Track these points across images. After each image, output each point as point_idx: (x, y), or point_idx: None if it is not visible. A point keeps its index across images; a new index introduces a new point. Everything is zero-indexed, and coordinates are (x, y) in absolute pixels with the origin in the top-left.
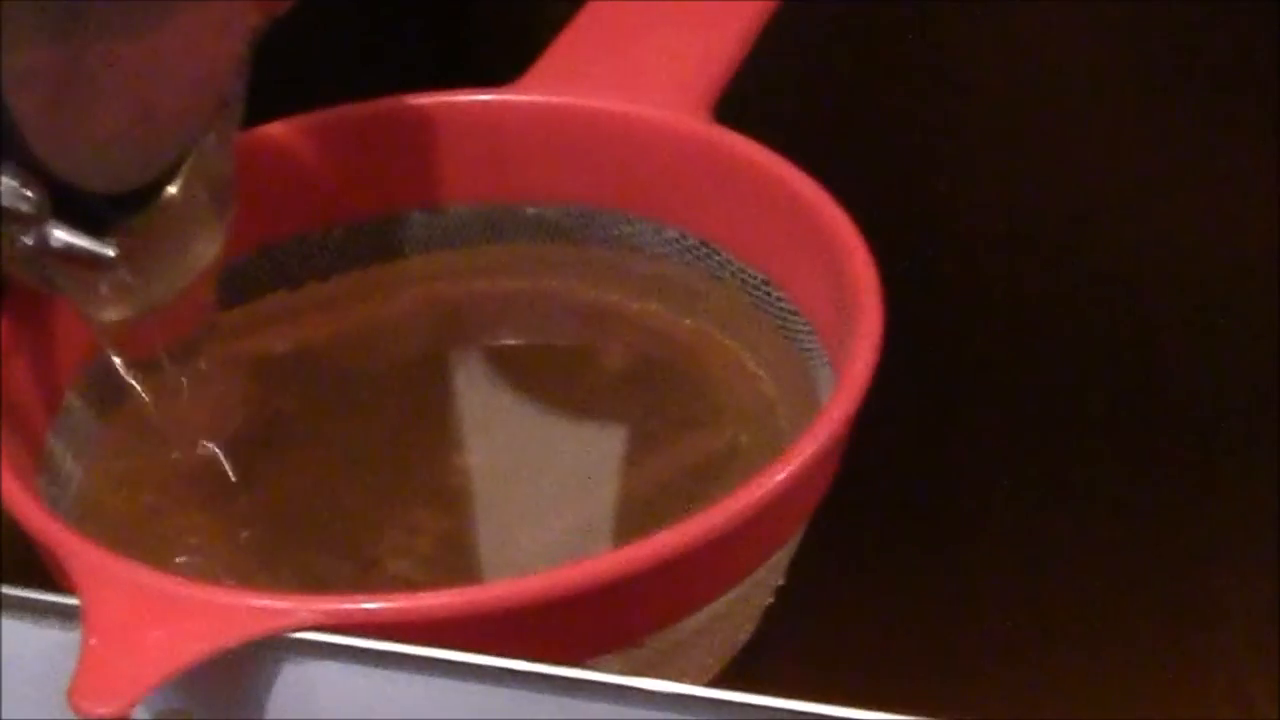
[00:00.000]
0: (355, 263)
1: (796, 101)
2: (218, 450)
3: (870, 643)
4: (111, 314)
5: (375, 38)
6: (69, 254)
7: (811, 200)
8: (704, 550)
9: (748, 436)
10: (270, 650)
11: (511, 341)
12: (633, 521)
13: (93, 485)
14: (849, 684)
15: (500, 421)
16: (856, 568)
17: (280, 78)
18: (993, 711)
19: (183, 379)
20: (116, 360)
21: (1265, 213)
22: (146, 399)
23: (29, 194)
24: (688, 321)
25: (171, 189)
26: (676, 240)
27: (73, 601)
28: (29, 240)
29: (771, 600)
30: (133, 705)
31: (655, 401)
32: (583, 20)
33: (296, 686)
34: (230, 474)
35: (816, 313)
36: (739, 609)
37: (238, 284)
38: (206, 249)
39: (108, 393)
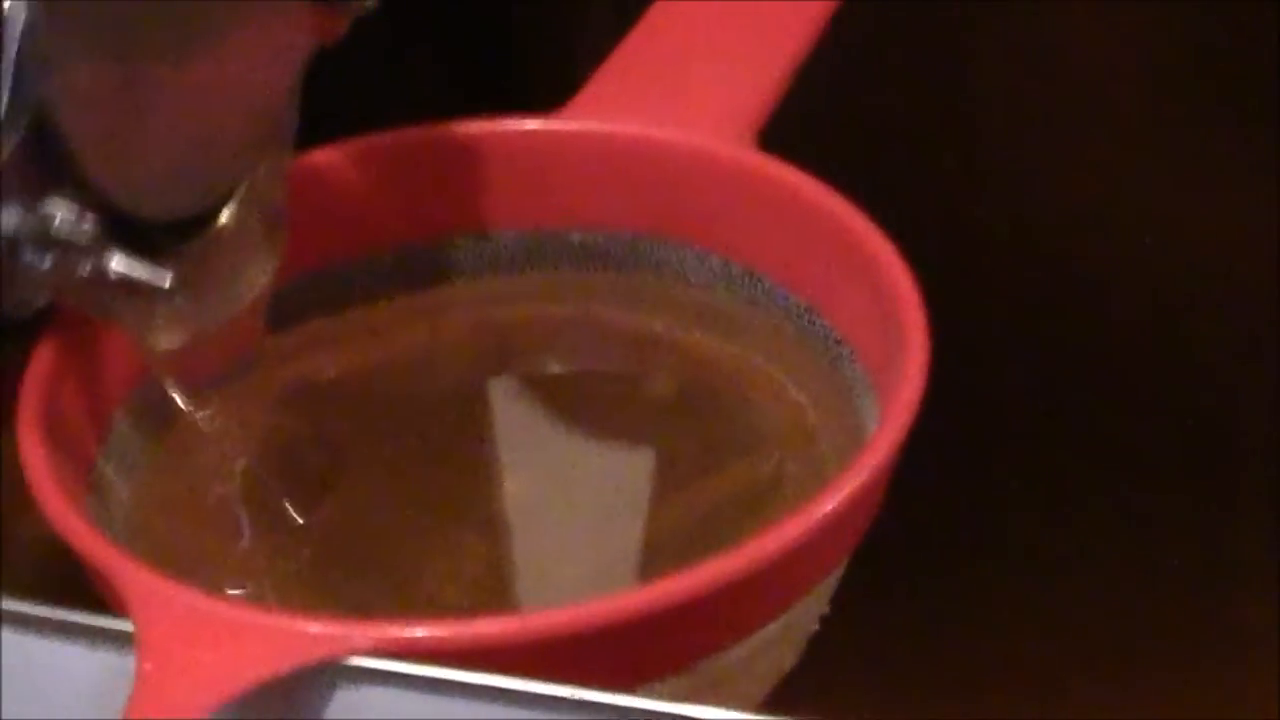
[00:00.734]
0: (400, 288)
1: (835, 125)
2: (264, 475)
3: (912, 669)
4: (164, 341)
5: (420, 64)
6: (125, 282)
7: (857, 230)
8: (757, 576)
9: (791, 464)
10: (324, 675)
11: (556, 368)
12: (677, 549)
13: (140, 508)
14: (892, 711)
15: (545, 448)
16: (899, 594)
17: (325, 104)
18: None
19: (231, 404)
20: (166, 385)
21: None
22: (196, 424)
23: (85, 224)
24: (731, 348)
25: (225, 215)
26: (720, 267)
27: (126, 626)
28: (85, 269)
29: (816, 628)
30: None
31: (699, 428)
32: (628, 47)
33: (350, 713)
34: (277, 499)
35: (860, 339)
36: (785, 636)
37: (282, 309)
38: (258, 275)
39: (156, 416)
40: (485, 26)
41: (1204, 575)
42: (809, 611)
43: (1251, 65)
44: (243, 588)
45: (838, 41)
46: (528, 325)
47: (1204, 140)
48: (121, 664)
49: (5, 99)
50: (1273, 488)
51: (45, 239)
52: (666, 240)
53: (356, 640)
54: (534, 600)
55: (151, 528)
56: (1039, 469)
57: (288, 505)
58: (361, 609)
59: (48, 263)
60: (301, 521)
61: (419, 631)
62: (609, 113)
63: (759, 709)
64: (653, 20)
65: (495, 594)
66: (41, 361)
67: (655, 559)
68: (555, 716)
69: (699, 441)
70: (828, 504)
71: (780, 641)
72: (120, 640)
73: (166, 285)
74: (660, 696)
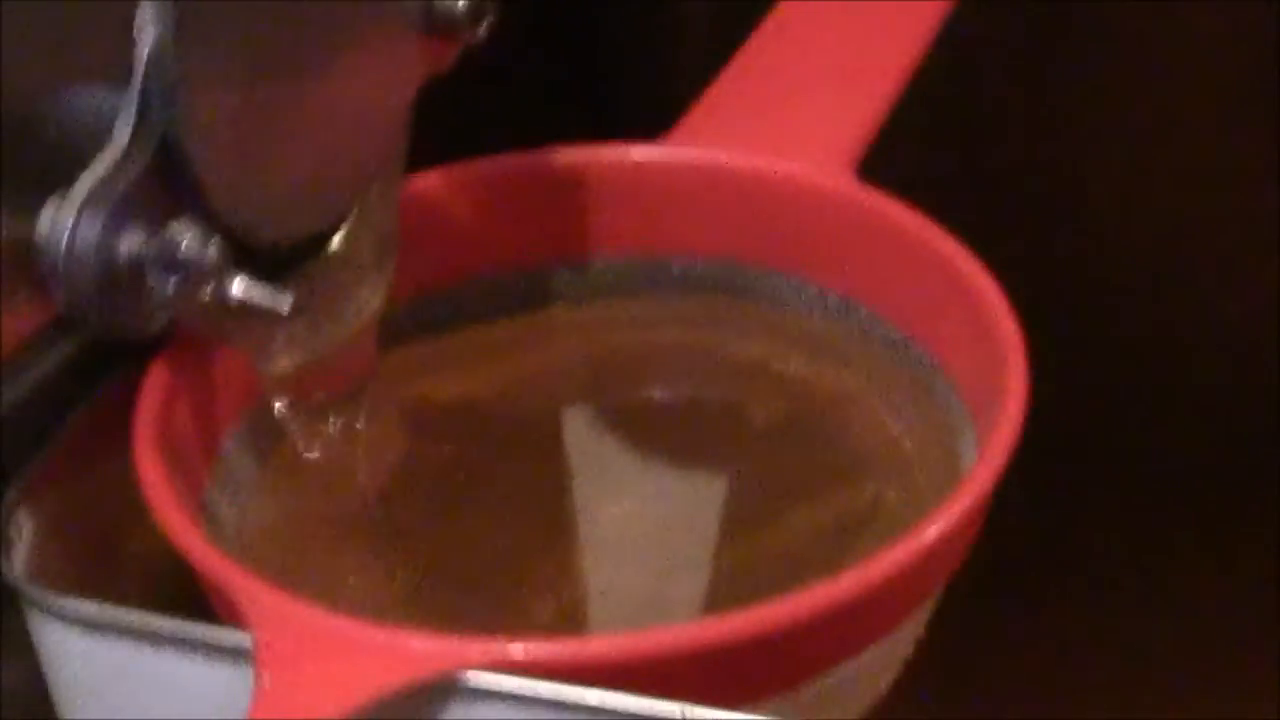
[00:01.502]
0: (503, 313)
1: (929, 154)
2: (372, 496)
3: (1002, 695)
4: (280, 363)
5: (524, 92)
6: (246, 306)
7: (956, 262)
8: (865, 600)
9: (889, 492)
10: (438, 691)
11: (657, 394)
12: (776, 574)
13: (249, 528)
14: None
15: (645, 472)
16: (991, 619)
17: (431, 131)
18: None
19: (341, 425)
20: (279, 407)
21: None
22: (306, 446)
23: (210, 248)
24: (829, 377)
25: (338, 239)
26: (818, 297)
27: (245, 640)
28: (207, 293)
29: (911, 651)
30: None
31: (798, 455)
32: (728, 76)
33: None
34: (384, 518)
35: (958, 371)
36: (883, 658)
37: (389, 331)
38: (370, 298)
39: (267, 437)
40: (583, 54)
41: None
42: (907, 635)
43: None
44: (346, 609)
45: (934, 74)
46: (628, 351)
47: None
48: (240, 678)
49: (133, 123)
50: None
51: (170, 262)
52: (766, 269)
53: (471, 656)
54: (635, 623)
55: (259, 548)
56: (1139, 499)
57: (394, 524)
58: (471, 627)
59: (171, 286)
60: (408, 543)
61: (532, 649)
62: (710, 142)
63: None
64: (751, 52)
65: (597, 617)
66: (156, 382)
67: (754, 583)
68: None
69: (797, 468)
70: (933, 530)
71: (880, 664)
72: (238, 655)
73: (286, 310)
74: (765, 714)
